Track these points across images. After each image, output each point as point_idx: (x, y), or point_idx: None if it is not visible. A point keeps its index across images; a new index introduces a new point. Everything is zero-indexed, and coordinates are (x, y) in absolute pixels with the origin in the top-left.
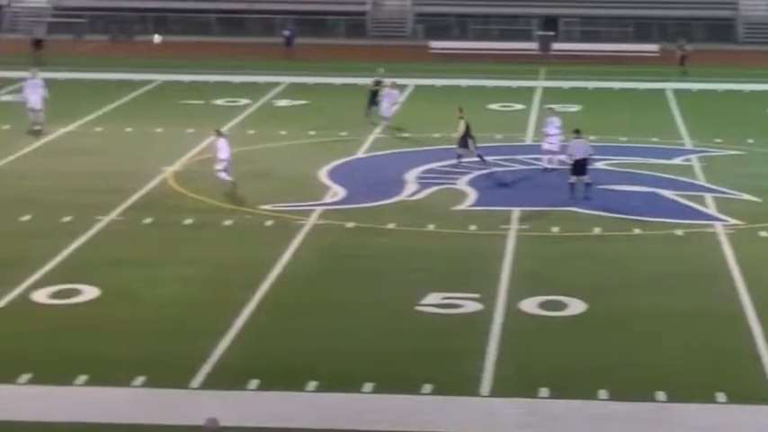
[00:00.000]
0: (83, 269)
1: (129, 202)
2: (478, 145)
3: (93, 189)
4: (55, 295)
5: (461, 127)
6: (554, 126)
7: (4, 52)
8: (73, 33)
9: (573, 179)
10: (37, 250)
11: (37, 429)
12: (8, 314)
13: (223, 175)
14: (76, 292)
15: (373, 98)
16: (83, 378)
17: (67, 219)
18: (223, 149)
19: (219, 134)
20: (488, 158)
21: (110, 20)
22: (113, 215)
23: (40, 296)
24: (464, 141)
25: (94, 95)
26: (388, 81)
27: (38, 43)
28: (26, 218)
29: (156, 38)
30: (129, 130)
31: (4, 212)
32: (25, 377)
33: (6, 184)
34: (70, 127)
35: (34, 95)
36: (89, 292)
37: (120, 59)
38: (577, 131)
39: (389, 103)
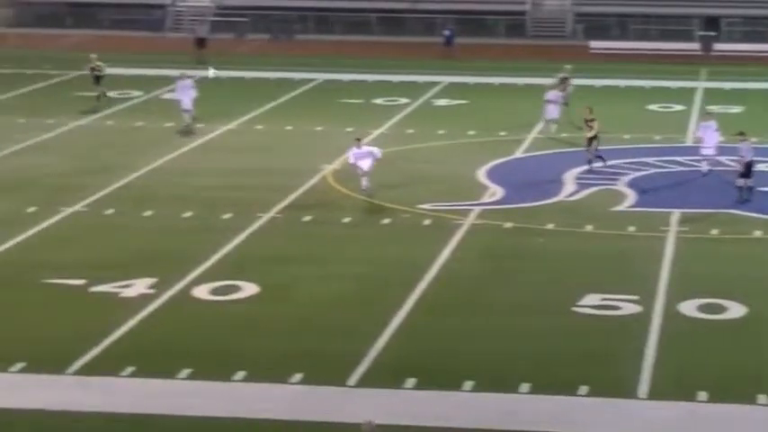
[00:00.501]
0: (242, 266)
1: (289, 199)
2: (635, 146)
3: (254, 186)
4: (215, 291)
5: (597, 126)
6: (711, 129)
7: (169, 51)
8: (234, 32)
9: (741, 182)
10: (198, 246)
11: (195, 424)
12: (169, 309)
13: (364, 182)
14: (236, 289)
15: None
16: (241, 374)
17: (228, 215)
18: (365, 160)
19: (360, 143)
20: (609, 162)
21: (271, 19)
22: (273, 212)
23: (201, 292)
24: (589, 141)
25: (255, 94)
26: (552, 81)
27: (201, 42)
28: (188, 214)
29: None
30: (289, 128)
31: (166, 209)
32: (185, 372)
33: (169, 181)
34: (231, 125)
35: (185, 97)
36: (248, 289)
37: (280, 58)
38: (742, 133)
39: (555, 105)
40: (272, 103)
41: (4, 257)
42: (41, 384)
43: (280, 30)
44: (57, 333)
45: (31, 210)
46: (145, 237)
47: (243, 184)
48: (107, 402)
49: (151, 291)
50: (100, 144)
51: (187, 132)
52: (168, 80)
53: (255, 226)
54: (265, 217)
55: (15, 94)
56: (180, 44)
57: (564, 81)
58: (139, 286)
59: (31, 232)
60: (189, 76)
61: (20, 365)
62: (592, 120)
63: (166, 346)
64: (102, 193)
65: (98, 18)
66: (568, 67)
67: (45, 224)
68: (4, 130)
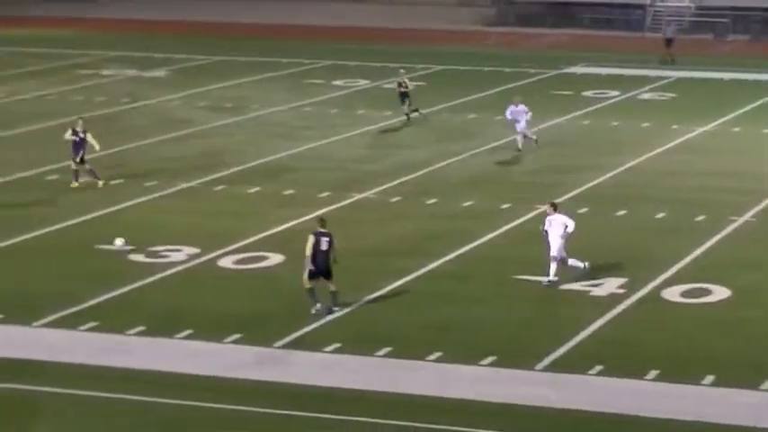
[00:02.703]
0: (714, 269)
1: (764, 203)
2: None
3: (728, 189)
4: (685, 294)
5: None
6: None
7: (645, 51)
8: (713, 32)
9: None
10: (669, 248)
11: (661, 426)
12: (638, 310)
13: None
14: (707, 292)
15: None
16: (710, 378)
17: (701, 218)
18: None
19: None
20: None
21: (752, 20)
22: (747, 216)
23: (671, 294)
24: None
25: (733, 95)
26: None
27: (669, 42)
28: (661, 215)
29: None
30: (766, 131)
31: (639, 209)
32: (653, 373)
33: (643, 181)
34: (708, 126)
35: (521, 120)
36: (719, 293)
37: (760, 59)
38: None
39: None
40: (751, 105)
41: (476, 253)
42: (510, 379)
43: (761, 31)
44: (524, 330)
45: (505, 206)
46: (617, 236)
47: (717, 187)
48: (575, 400)
49: (621, 290)
50: (573, 142)
51: (518, 156)
52: (646, 80)
53: (729, 229)
54: (739, 220)
55: (493, 91)
56: (656, 44)
57: None
58: (610, 285)
59: (504, 228)
60: (521, 103)
61: (490, 359)
62: None
63: (633, 347)
64: (575, 192)
65: (578, 17)
66: None
67: (517, 221)
68: (481, 128)
